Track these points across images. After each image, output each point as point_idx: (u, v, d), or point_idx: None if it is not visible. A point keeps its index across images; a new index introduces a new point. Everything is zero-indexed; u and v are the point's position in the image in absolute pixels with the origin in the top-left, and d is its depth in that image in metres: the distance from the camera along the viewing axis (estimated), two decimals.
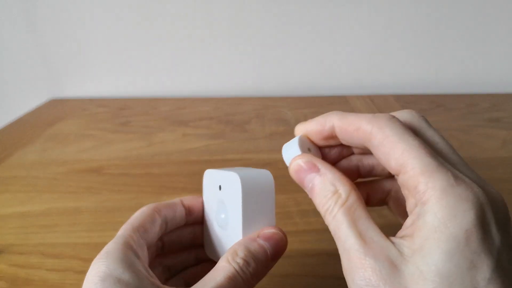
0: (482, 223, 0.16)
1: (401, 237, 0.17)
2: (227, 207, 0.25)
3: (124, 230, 0.23)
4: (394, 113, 0.21)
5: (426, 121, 0.21)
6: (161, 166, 0.52)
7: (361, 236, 0.17)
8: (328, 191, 0.19)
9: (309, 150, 0.22)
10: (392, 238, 0.17)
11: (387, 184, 0.23)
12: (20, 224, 0.41)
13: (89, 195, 0.46)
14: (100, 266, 0.20)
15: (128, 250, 0.22)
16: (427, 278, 0.15)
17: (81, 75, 0.81)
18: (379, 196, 0.23)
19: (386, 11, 0.76)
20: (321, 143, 0.23)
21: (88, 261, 0.35)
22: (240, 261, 0.21)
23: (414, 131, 0.20)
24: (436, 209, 0.16)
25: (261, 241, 0.23)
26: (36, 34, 0.77)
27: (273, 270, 0.32)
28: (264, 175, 0.24)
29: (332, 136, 0.22)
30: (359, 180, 0.24)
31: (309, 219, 0.40)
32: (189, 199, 0.28)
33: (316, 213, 0.35)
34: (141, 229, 0.24)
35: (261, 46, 0.79)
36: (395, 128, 0.19)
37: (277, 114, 0.70)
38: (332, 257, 0.35)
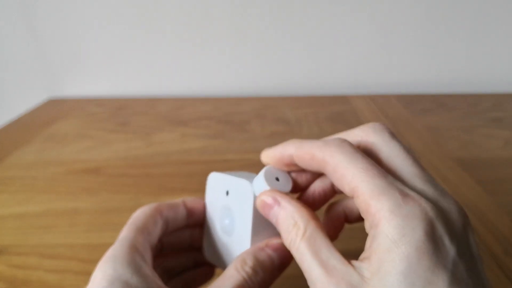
0: (432, 238, 0.16)
1: (362, 260, 0.18)
2: (234, 213, 0.25)
3: (128, 232, 0.23)
4: (357, 128, 0.22)
5: (389, 133, 0.21)
6: (160, 166, 0.52)
7: (323, 265, 0.18)
8: (289, 224, 0.20)
9: (277, 179, 0.23)
10: (354, 262, 0.18)
11: None
12: (18, 225, 0.41)
13: (88, 196, 0.45)
14: (107, 269, 0.20)
15: (135, 253, 0.21)
16: None
17: (79, 74, 0.81)
18: (355, 212, 0.23)
19: (387, 10, 0.75)
20: (285, 169, 0.23)
21: (87, 262, 0.35)
22: (249, 270, 0.21)
23: (371, 149, 0.21)
24: (387, 231, 0.16)
25: (269, 251, 0.23)
26: (34, 33, 0.77)
27: None
28: None
29: (291, 164, 0.22)
30: (334, 199, 0.24)
31: None
32: (191, 201, 0.27)
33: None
34: (145, 230, 0.23)
35: (261, 46, 0.78)
36: (345, 152, 0.19)
37: (277, 114, 0.70)
38: None
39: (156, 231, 0.24)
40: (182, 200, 0.27)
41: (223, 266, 0.26)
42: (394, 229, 0.16)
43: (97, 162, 0.53)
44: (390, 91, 0.81)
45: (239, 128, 0.64)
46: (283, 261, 0.23)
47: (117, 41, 0.78)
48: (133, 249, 0.21)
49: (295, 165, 0.22)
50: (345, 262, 0.18)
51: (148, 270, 0.21)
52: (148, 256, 0.22)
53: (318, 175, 0.24)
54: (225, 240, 0.26)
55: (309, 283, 0.18)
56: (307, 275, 0.18)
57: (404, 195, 0.17)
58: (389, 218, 0.17)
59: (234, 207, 0.25)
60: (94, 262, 0.35)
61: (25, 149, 0.58)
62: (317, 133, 0.62)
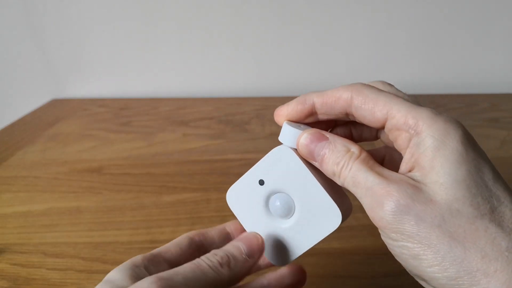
0: (469, 138, 0.19)
1: (409, 171, 0.19)
2: (284, 188, 0.23)
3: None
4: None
5: (394, 87, 0.23)
6: (162, 166, 0.53)
7: (379, 174, 0.19)
8: (340, 152, 0.21)
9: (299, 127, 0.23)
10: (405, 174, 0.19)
11: (381, 151, 0.25)
12: (21, 224, 0.41)
13: (90, 195, 0.46)
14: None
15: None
16: (447, 186, 0.18)
17: (82, 75, 0.82)
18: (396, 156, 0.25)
19: (386, 12, 0.76)
20: (303, 121, 0.24)
21: (89, 260, 0.36)
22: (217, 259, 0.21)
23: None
24: (432, 133, 0.18)
25: (235, 242, 0.23)
26: (37, 34, 0.78)
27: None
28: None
29: (312, 113, 0.23)
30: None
31: None
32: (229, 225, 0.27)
33: None
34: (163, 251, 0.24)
35: (261, 46, 0.79)
36: (370, 89, 0.21)
37: None
38: (331, 256, 0.35)
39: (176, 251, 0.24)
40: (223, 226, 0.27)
41: (298, 253, 0.24)
42: (439, 130, 0.18)
43: (99, 161, 0.54)
44: None
45: (239, 128, 0.65)
46: (251, 249, 0.23)
47: (119, 42, 0.78)
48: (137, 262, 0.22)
49: (314, 115, 0.23)
50: (399, 173, 0.19)
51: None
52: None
53: (331, 126, 0.25)
54: (289, 225, 0.23)
55: (364, 194, 0.19)
56: (361, 187, 0.19)
57: (436, 111, 0.19)
58: (430, 123, 0.18)
59: (278, 185, 0.23)
60: (96, 260, 0.36)
61: (28, 149, 0.58)
62: None
